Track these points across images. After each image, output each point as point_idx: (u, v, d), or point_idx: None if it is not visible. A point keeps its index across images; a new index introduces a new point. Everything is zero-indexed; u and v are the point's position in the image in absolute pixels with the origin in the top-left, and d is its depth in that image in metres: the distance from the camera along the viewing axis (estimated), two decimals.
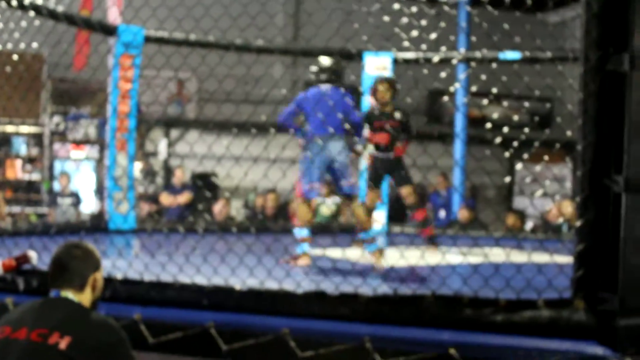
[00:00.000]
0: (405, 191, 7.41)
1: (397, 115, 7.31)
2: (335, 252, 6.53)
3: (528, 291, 3.82)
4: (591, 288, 3.49)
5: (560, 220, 10.06)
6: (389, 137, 7.27)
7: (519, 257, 5.55)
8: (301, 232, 6.40)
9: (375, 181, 7.49)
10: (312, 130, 6.34)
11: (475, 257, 6.25)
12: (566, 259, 3.73)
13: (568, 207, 9.74)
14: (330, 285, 4.17)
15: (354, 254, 6.79)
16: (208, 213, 10.59)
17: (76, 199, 11.76)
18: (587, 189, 3.49)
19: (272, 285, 4.24)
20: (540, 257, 5.11)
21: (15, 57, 6.71)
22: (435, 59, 9.09)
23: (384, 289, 4.17)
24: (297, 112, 6.45)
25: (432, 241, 7.43)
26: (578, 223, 3.53)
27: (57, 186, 12.33)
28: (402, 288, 4.04)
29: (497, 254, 6.07)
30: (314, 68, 6.60)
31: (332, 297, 3.95)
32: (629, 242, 3.39)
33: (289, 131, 6.51)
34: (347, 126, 6.35)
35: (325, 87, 6.44)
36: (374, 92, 7.42)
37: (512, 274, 4.09)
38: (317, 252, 6.53)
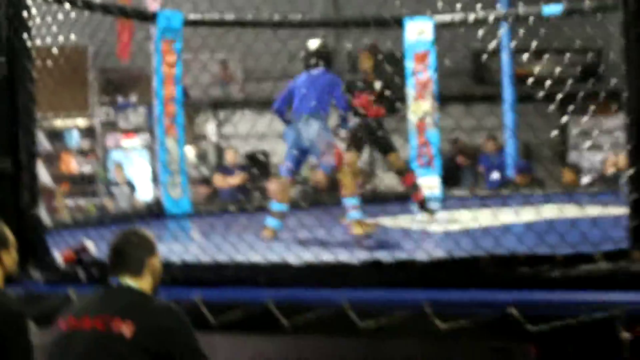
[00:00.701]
0: (391, 159, 7.23)
1: (377, 85, 7.19)
2: (386, 221, 6.51)
3: (584, 245, 3.79)
4: None
5: (614, 171, 9.94)
6: (367, 104, 7.16)
7: (573, 211, 5.50)
8: (279, 207, 6.34)
9: (355, 145, 7.25)
10: (292, 113, 6.36)
11: (528, 215, 6.18)
12: (622, 210, 3.69)
13: (623, 158, 9.59)
14: (386, 254, 4.17)
15: (405, 221, 6.77)
16: (262, 192, 10.63)
17: (131, 188, 11.88)
18: (635, 137, 3.44)
19: (327, 257, 4.26)
20: (595, 211, 5.07)
21: (57, 51, 6.77)
22: (474, 19, 8.96)
23: (439, 253, 4.17)
24: (289, 98, 6.42)
25: (424, 206, 7.25)
26: (629, 172, 3.48)
27: (111, 176, 12.48)
28: (457, 251, 4.03)
29: (551, 210, 6.00)
30: (302, 53, 6.52)
31: (389, 266, 3.96)
32: None
33: (284, 117, 6.49)
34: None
35: (316, 72, 6.41)
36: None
37: (567, 229, 4.06)
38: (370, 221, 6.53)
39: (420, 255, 4.06)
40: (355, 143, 7.25)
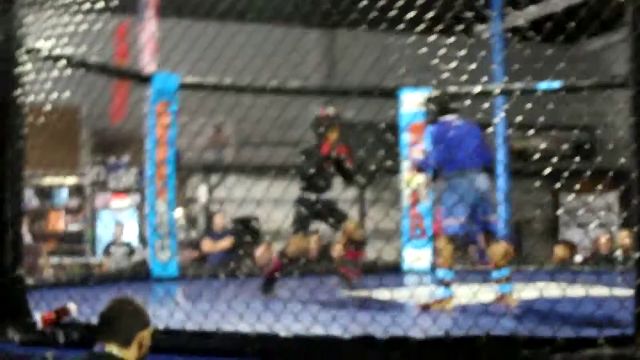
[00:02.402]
0: (349, 227, 6.77)
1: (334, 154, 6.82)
2: (383, 294, 6.34)
3: (587, 328, 3.64)
4: None
5: (618, 251, 9.79)
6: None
7: (575, 291, 5.33)
8: (447, 274, 5.96)
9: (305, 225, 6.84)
10: (460, 164, 5.98)
11: (529, 292, 6.00)
12: (626, 292, 3.55)
13: (625, 237, 9.44)
14: (379, 329, 4.02)
15: (403, 294, 6.60)
16: (250, 258, 10.48)
17: (129, 248, 11.73)
18: None
19: (318, 330, 4.11)
20: (598, 291, 4.92)
21: (51, 109, 6.68)
22: (474, 92, 8.90)
23: (435, 330, 4.01)
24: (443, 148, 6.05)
25: (346, 280, 6.83)
26: (637, 255, 3.36)
27: (107, 236, 12.30)
28: (454, 329, 3.87)
29: (552, 289, 5.82)
30: (434, 99, 6.40)
31: (382, 342, 3.80)
32: None
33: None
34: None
35: (457, 120, 6.20)
36: (325, 138, 6.86)
37: (570, 310, 3.91)
38: (364, 293, 6.36)
39: (416, 332, 3.90)
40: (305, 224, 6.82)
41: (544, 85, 8.72)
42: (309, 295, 5.48)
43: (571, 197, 13.21)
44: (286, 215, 6.69)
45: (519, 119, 6.69)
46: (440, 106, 6.33)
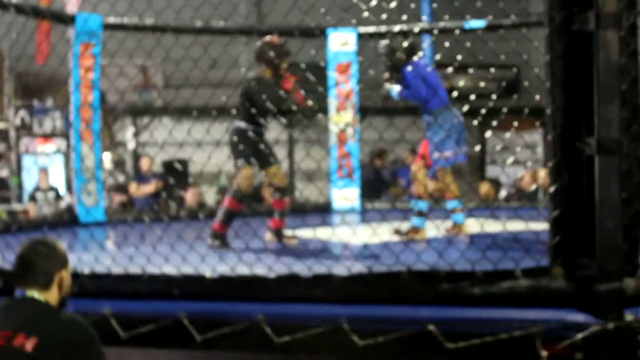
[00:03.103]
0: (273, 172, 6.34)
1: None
2: (305, 233, 6.41)
3: (505, 261, 3.75)
4: (569, 254, 3.43)
5: (534, 187, 10.02)
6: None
7: (494, 226, 5.48)
8: (452, 204, 6.39)
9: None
10: (443, 100, 6.26)
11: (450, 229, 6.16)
12: (542, 226, 3.66)
13: (542, 174, 9.68)
14: (303, 268, 4.08)
15: (325, 233, 6.67)
16: (180, 201, 10.46)
17: (56, 194, 11.60)
18: (559, 154, 3.42)
19: (243, 270, 4.15)
20: (516, 226, 5.05)
21: None
22: (398, 31, 8.92)
23: (358, 267, 4.08)
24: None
25: (278, 235, 6.36)
26: (552, 189, 3.45)
27: (31, 182, 12.15)
28: (377, 266, 3.95)
29: (472, 225, 5.99)
30: (405, 43, 6.49)
31: (306, 280, 3.86)
32: (604, 205, 3.31)
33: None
34: None
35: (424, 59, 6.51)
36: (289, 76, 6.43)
37: (488, 245, 4.01)
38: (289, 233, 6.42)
39: (339, 269, 3.97)
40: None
41: (469, 24, 8.77)
42: (234, 236, 5.52)
43: (495, 135, 13.41)
44: (219, 156, 6.50)
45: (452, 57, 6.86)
46: (407, 48, 6.45)
